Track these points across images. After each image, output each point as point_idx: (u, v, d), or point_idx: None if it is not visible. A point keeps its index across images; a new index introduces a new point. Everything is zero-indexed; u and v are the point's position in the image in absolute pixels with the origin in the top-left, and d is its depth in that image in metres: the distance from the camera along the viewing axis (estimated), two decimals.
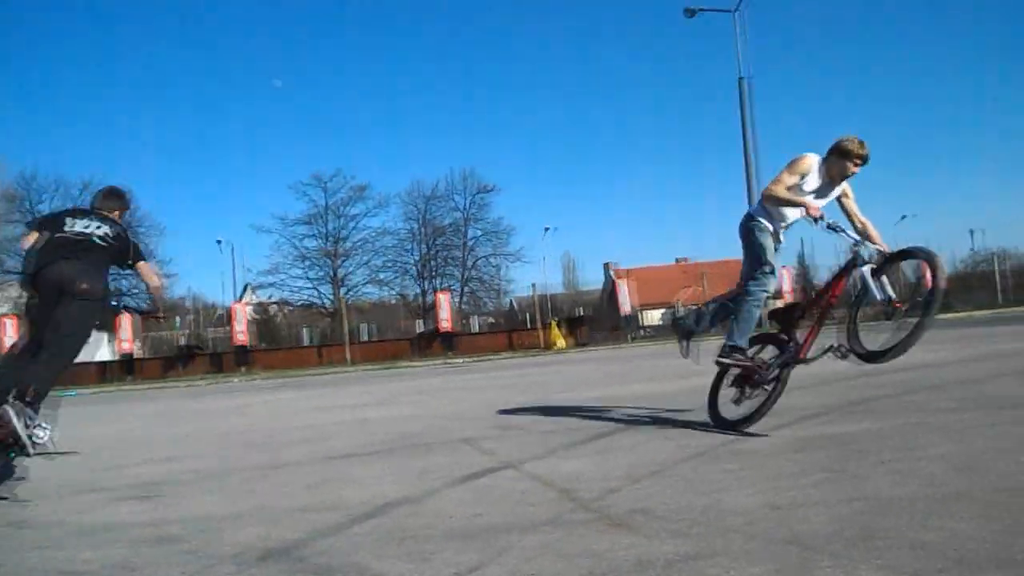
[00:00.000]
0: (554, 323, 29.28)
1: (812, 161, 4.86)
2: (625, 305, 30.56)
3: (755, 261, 4.96)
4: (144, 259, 5.14)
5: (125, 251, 4.90)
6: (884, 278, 4.51)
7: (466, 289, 46.77)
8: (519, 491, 3.57)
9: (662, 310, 57.72)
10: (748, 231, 5.03)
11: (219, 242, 41.13)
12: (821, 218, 4.74)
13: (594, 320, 36.62)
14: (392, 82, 73.56)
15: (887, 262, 4.56)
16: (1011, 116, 73.03)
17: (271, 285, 44.53)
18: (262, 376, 22.29)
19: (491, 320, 45.48)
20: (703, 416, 5.54)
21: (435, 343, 29.47)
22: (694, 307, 4.90)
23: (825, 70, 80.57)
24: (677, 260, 63.42)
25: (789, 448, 4.05)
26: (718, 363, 5.07)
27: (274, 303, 45.79)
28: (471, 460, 4.53)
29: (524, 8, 79.16)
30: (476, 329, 38.09)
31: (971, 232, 56.78)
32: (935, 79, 75.88)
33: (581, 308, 42.89)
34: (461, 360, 23.47)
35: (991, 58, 73.96)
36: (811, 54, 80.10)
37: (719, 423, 4.96)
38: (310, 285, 44.48)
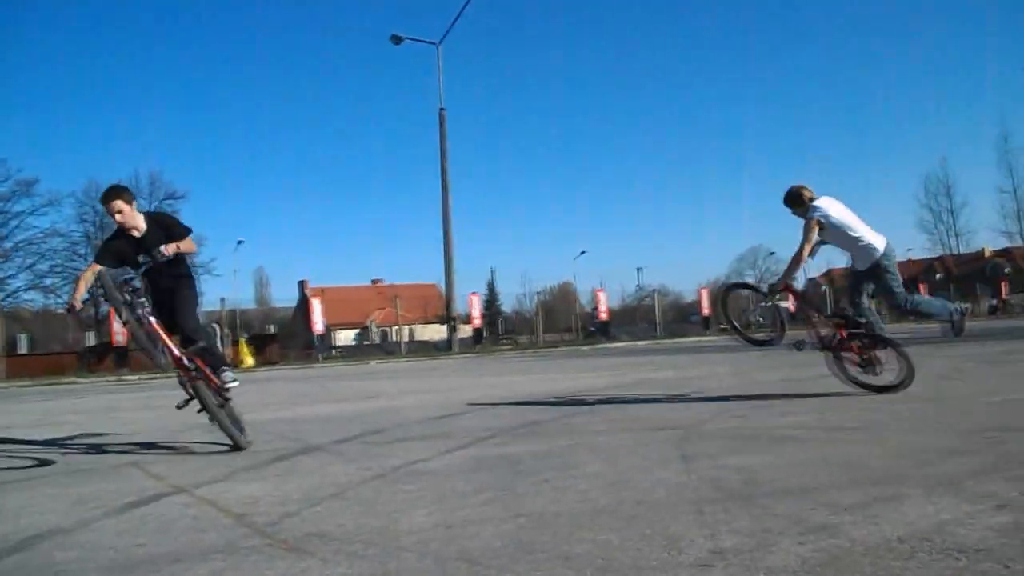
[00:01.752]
0: (243, 340, 28.07)
1: None
2: (318, 324, 30.12)
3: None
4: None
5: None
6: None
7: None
8: (190, 517, 3.39)
9: (355, 330, 57.81)
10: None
11: None
12: None
13: (286, 338, 35.65)
14: (74, 75, 66.90)
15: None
16: (675, 167, 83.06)
17: None
18: None
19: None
20: (389, 437, 5.66)
21: (107, 358, 26.82)
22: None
23: (516, 106, 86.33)
24: (373, 281, 64.04)
25: (464, 469, 4.24)
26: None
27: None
28: (138, 485, 4.21)
29: (229, 17, 75.93)
30: None
31: (638, 269, 63.51)
32: (609, 125, 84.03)
33: (273, 325, 41.58)
34: (136, 377, 21.68)
35: (654, 110, 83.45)
36: (506, 91, 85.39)
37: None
38: None
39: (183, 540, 3.01)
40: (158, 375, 21.69)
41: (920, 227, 63.64)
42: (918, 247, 67.15)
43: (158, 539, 3.05)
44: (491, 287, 55.33)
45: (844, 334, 6.44)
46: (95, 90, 72.74)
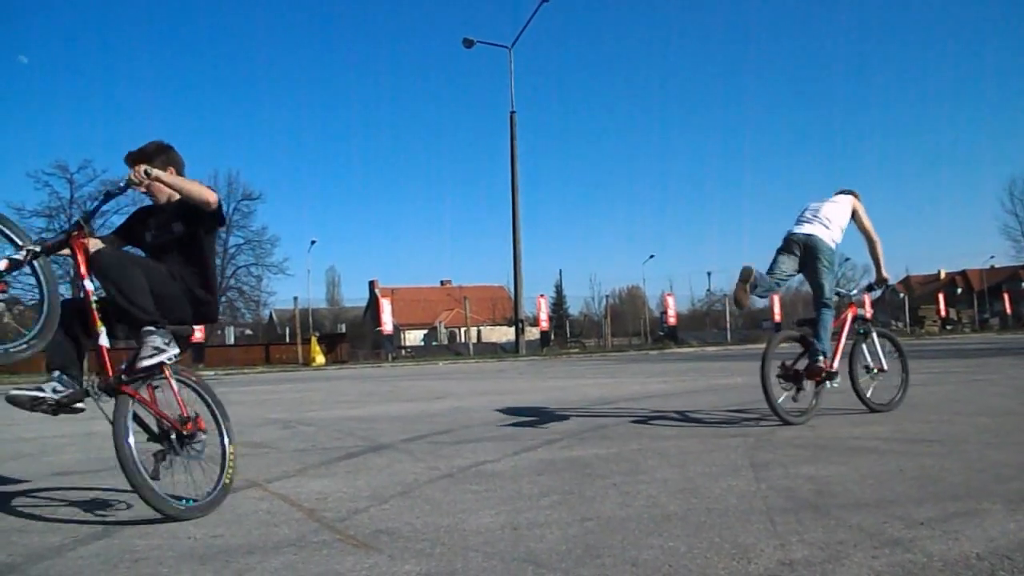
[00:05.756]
0: (315, 339, 28.58)
1: None
2: (387, 324, 30.49)
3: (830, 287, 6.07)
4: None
5: None
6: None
7: (223, 299, 44.63)
8: (263, 511, 3.49)
9: (424, 330, 58.42)
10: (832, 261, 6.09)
11: None
12: None
13: (356, 337, 36.18)
14: (154, 76, 69.27)
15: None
16: (742, 167, 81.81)
17: None
18: None
19: (248, 332, 43.61)
20: (456, 437, 5.71)
21: (186, 355, 27.48)
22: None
23: (584, 109, 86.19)
24: (442, 282, 64.59)
25: (531, 471, 4.25)
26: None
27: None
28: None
29: (303, 20, 77.68)
30: (230, 341, 36.31)
31: (708, 274, 62.66)
32: (682, 128, 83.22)
33: (343, 324, 42.26)
34: (211, 373, 22.29)
35: (723, 111, 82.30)
36: (576, 92, 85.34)
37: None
38: None
39: (257, 533, 3.10)
40: (234, 371, 22.27)
41: (1004, 234, 60.94)
42: (1002, 254, 64.50)
43: (233, 530, 3.14)
44: (559, 289, 55.12)
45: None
46: (175, 90, 75.14)
